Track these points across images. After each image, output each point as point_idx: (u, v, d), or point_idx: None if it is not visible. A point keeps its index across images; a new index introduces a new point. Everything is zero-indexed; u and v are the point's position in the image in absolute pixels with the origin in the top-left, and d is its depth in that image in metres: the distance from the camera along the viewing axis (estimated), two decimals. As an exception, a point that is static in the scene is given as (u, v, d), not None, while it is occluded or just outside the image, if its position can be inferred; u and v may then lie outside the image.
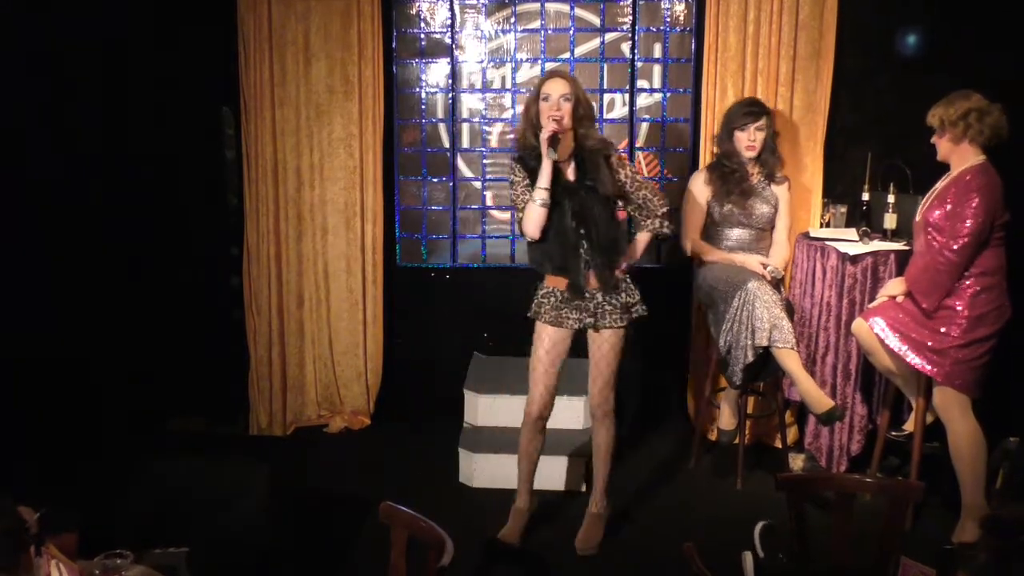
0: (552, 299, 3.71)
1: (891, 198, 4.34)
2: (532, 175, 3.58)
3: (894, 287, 3.87)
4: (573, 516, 4.11)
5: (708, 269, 4.34)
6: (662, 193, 3.74)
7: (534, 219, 3.56)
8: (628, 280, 3.77)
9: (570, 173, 3.64)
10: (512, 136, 3.40)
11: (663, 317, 5.06)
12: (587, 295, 3.67)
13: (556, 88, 3.55)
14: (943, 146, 3.69)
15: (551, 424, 4.51)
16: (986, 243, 3.61)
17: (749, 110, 4.28)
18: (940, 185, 3.73)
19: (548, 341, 3.75)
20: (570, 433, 4.56)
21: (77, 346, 4.77)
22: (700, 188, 4.40)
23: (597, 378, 3.79)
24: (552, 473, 4.35)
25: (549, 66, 4.98)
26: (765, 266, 4.24)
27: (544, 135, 3.46)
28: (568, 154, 3.63)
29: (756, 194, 4.34)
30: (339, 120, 4.88)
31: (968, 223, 3.55)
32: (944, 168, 3.75)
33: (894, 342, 3.76)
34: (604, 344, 3.75)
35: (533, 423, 3.84)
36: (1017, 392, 4.07)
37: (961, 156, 3.65)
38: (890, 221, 4.35)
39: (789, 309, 4.17)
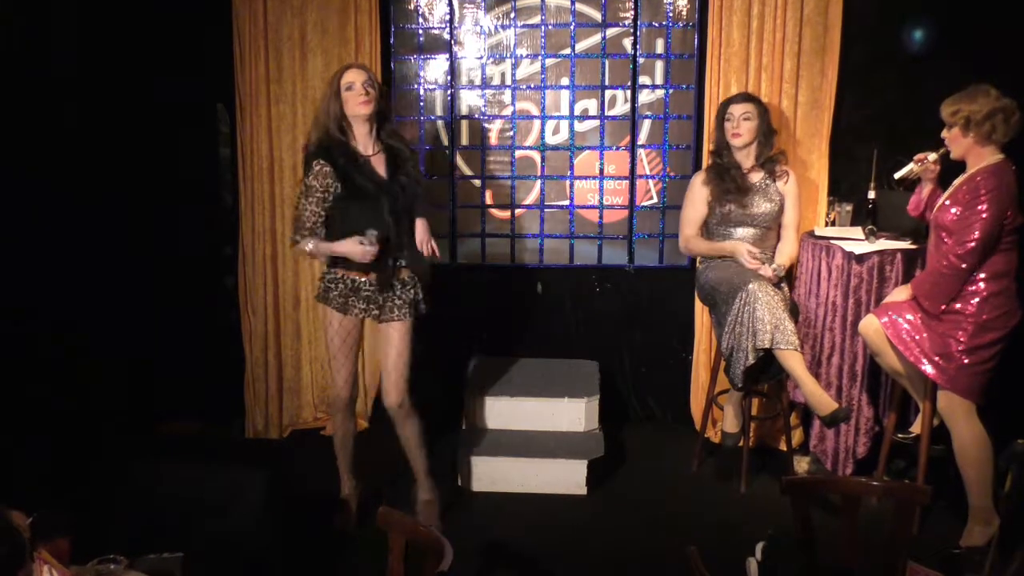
0: (341, 286, 3.75)
1: (932, 156, 3.81)
2: (340, 170, 3.59)
3: (899, 294, 3.83)
4: (572, 520, 4.08)
5: (709, 269, 4.31)
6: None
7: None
8: (414, 277, 3.83)
9: (381, 168, 3.68)
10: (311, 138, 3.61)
11: (665, 317, 5.07)
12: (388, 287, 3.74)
13: (357, 76, 3.61)
14: (962, 144, 3.60)
15: (551, 426, 4.52)
16: (996, 247, 3.54)
17: (731, 97, 4.32)
18: (955, 183, 3.67)
19: (339, 326, 3.79)
20: (570, 436, 4.51)
21: (69, 348, 4.72)
22: (699, 187, 4.41)
23: (391, 372, 3.80)
24: (551, 476, 4.31)
25: (549, 62, 4.93)
26: (760, 260, 4.20)
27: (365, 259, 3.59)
28: (376, 148, 3.69)
29: (757, 192, 4.30)
30: (336, 117, 4.81)
31: (976, 229, 3.49)
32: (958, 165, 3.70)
33: (899, 343, 3.70)
34: (394, 336, 3.77)
35: (343, 409, 3.94)
36: (1025, 394, 4.01)
37: (978, 155, 3.58)
38: (904, 170, 3.94)
39: (793, 310, 4.13)
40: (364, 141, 3.66)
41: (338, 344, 3.81)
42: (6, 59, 4.26)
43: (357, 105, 3.59)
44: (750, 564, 3.22)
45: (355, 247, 3.56)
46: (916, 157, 3.81)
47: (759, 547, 3.26)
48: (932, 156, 3.76)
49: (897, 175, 3.92)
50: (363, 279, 3.72)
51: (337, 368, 3.86)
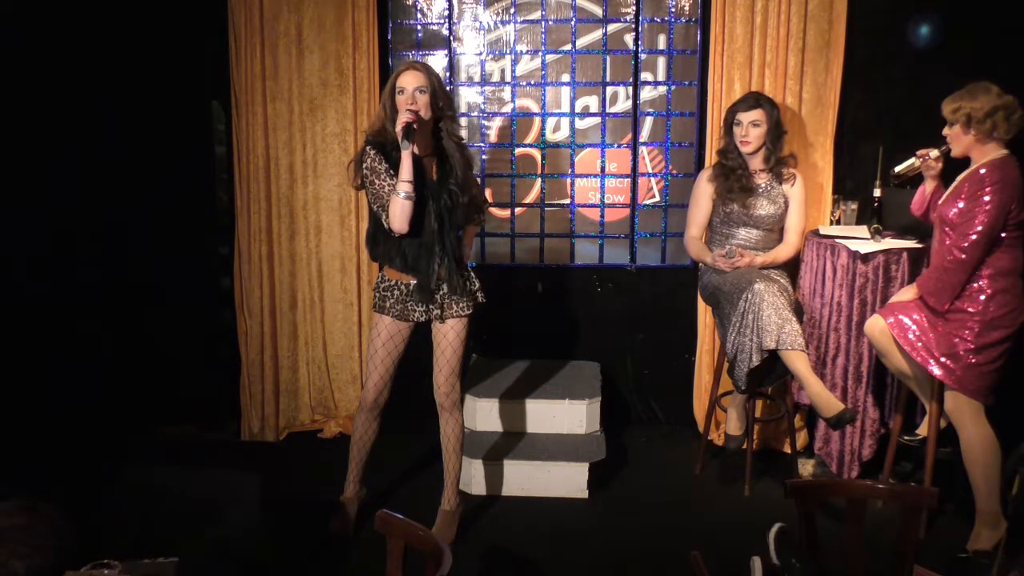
0: (397, 292, 3.72)
1: (935, 152, 3.81)
2: (395, 166, 3.52)
3: (906, 294, 3.79)
4: (574, 524, 4.04)
5: (712, 270, 4.28)
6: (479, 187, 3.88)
7: (402, 213, 3.48)
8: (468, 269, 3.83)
9: (432, 171, 3.63)
10: (401, 126, 3.47)
11: (667, 318, 5.02)
12: (433, 289, 3.69)
13: (410, 80, 3.51)
14: (964, 141, 3.57)
15: (551, 429, 4.50)
16: (1000, 242, 3.51)
17: (741, 100, 4.27)
18: (959, 178, 3.63)
19: (386, 333, 3.77)
20: (572, 438, 4.47)
21: (64, 348, 4.67)
22: (704, 184, 4.39)
23: (444, 368, 3.79)
24: (553, 479, 4.26)
25: (550, 58, 4.87)
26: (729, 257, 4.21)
27: (398, 127, 3.41)
28: (428, 150, 3.61)
29: (761, 193, 4.28)
30: (333, 115, 4.78)
31: (978, 221, 3.46)
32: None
33: (906, 343, 3.65)
34: (450, 333, 3.76)
35: (369, 410, 3.88)
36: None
37: (981, 152, 3.56)
38: (905, 165, 3.98)
39: (798, 310, 4.09)
40: (418, 141, 3.56)
41: (378, 347, 3.78)
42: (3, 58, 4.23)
43: (404, 111, 3.50)
44: (754, 563, 3.17)
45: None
46: (918, 153, 3.80)
47: (773, 531, 3.22)
48: (934, 153, 3.75)
49: (897, 169, 3.91)
50: (406, 282, 3.70)
51: (370, 371, 3.82)
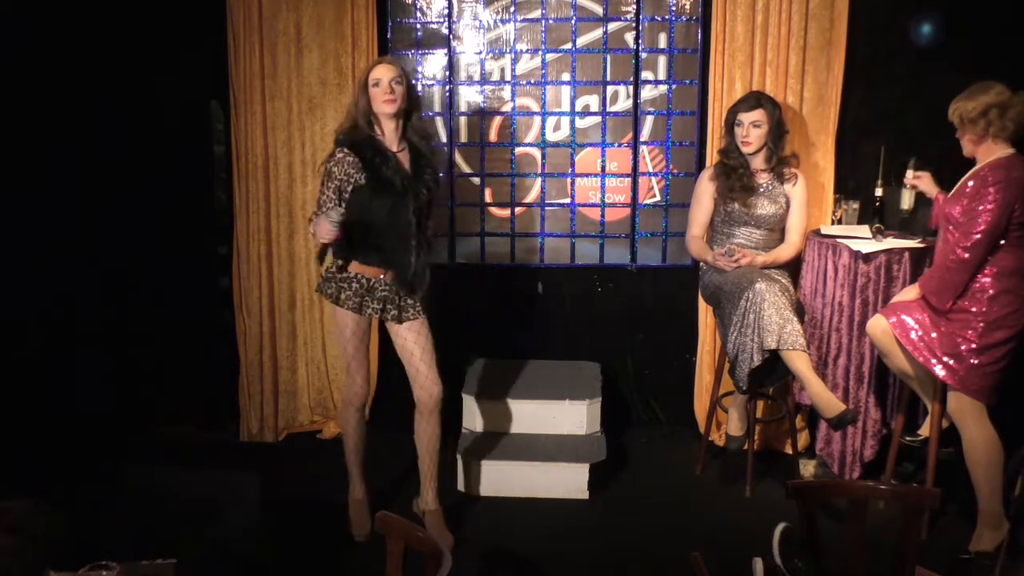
0: (356, 285, 3.67)
1: (910, 173, 4.10)
2: (368, 164, 3.55)
3: (908, 294, 3.77)
4: (574, 525, 4.02)
5: (713, 269, 4.27)
6: None
7: (323, 237, 3.47)
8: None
9: (406, 162, 3.64)
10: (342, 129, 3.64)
11: (668, 318, 5.01)
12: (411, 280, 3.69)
13: (385, 72, 3.56)
14: (965, 142, 3.58)
15: (552, 429, 4.47)
16: (1004, 242, 3.49)
17: (742, 100, 4.25)
18: (964, 178, 3.62)
19: (359, 329, 3.75)
20: (572, 439, 4.45)
21: (60, 350, 4.67)
22: (705, 183, 4.37)
23: (425, 370, 3.76)
24: (553, 480, 4.25)
25: (550, 57, 4.86)
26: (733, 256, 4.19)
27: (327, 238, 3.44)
28: (400, 143, 3.65)
29: (762, 193, 4.26)
30: (332, 114, 4.75)
31: (981, 220, 3.44)
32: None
33: (908, 343, 3.64)
34: (419, 336, 3.73)
35: (359, 407, 3.90)
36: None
37: (986, 151, 3.54)
38: (907, 200, 4.20)
39: (799, 310, 4.08)
40: (391, 137, 3.63)
41: (356, 345, 3.76)
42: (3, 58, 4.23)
43: (382, 103, 3.55)
44: (756, 564, 3.17)
45: (323, 223, 3.43)
46: (904, 182, 4.08)
47: (778, 530, 3.21)
48: (909, 173, 3.98)
49: (904, 206, 4.22)
50: (379, 278, 3.66)
51: (356, 369, 3.81)
